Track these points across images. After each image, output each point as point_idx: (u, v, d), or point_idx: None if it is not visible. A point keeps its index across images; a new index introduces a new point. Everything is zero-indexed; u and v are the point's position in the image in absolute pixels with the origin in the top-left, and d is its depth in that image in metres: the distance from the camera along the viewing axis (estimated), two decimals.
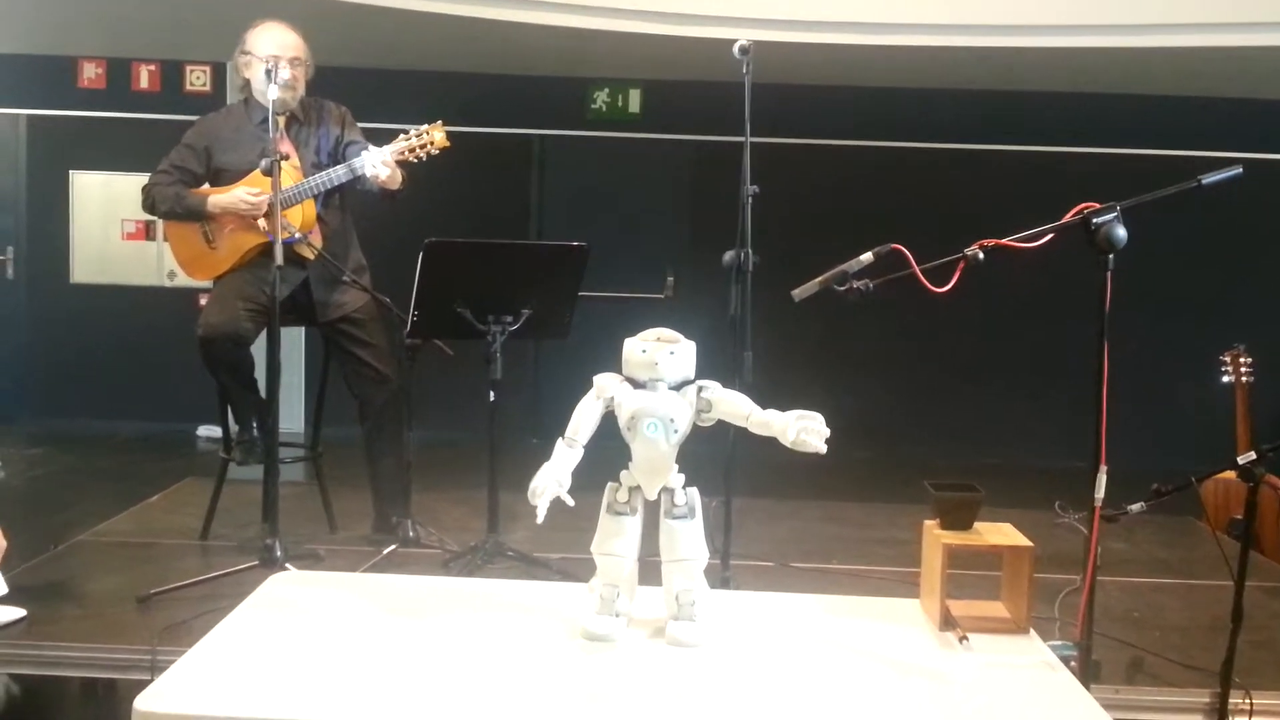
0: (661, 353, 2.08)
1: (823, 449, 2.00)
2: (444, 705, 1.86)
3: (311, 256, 3.75)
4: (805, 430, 2.00)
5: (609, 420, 2.12)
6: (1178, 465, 2.85)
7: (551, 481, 2.07)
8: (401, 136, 3.70)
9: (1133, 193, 2.40)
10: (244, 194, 3.66)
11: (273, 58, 3.64)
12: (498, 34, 5.97)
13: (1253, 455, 2.47)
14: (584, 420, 2.11)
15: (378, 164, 3.63)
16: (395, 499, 3.85)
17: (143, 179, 3.83)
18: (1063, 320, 4.95)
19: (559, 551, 3.48)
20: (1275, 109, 6.89)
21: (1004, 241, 2.39)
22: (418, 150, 3.67)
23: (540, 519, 2.06)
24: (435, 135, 3.69)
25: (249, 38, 3.79)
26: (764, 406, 2.07)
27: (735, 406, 2.09)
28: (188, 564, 3.52)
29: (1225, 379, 4.40)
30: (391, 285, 3.79)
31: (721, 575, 3.22)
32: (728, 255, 3.26)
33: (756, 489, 4.16)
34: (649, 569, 2.17)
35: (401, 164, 3.69)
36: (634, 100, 7.34)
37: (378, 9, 5.64)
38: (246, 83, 3.84)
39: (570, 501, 2.08)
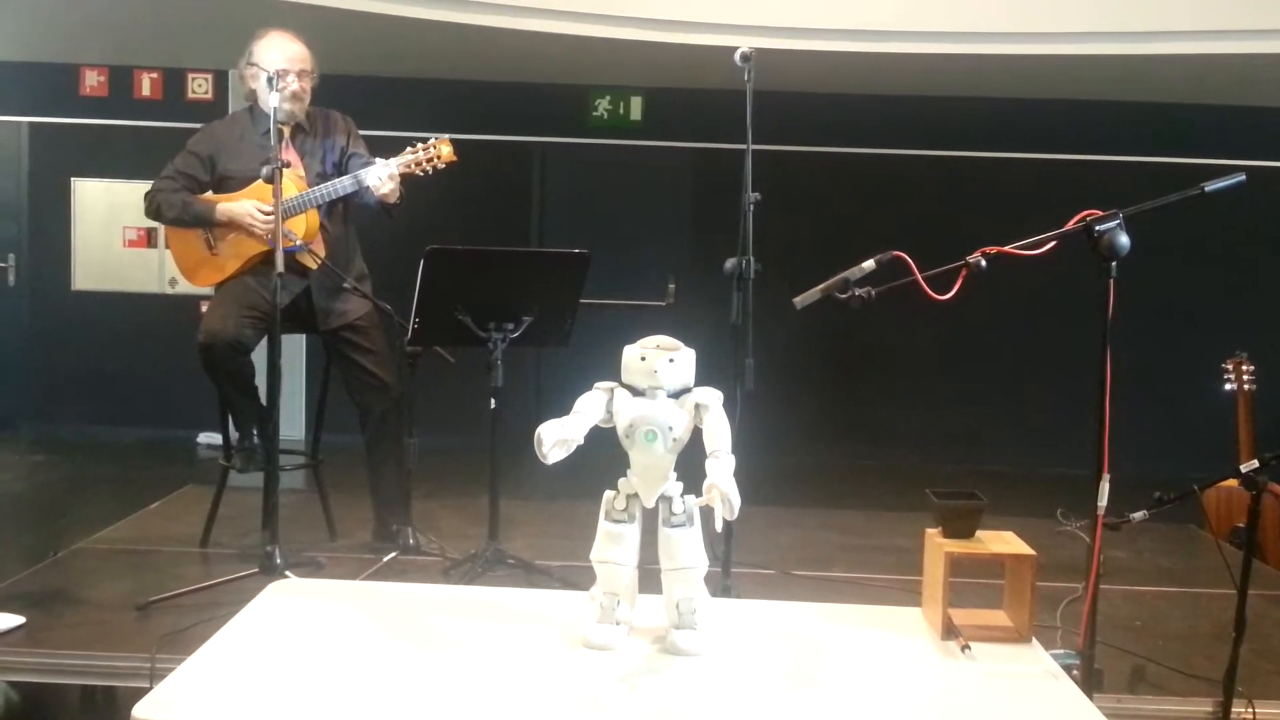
0: (661, 360, 2.07)
1: (718, 521, 1.97)
2: (444, 714, 1.85)
3: (314, 265, 3.74)
4: (713, 500, 1.95)
5: (608, 430, 2.12)
6: (1180, 473, 2.84)
7: (557, 427, 2.01)
8: (409, 150, 3.67)
9: (1136, 200, 2.39)
10: (255, 207, 3.65)
11: (280, 70, 3.63)
12: (499, 42, 5.97)
13: (1255, 463, 2.47)
14: (588, 403, 2.09)
15: (384, 177, 3.62)
16: (396, 506, 3.84)
17: (145, 186, 3.82)
18: (1066, 327, 4.95)
19: (559, 559, 3.47)
20: (1279, 116, 6.89)
21: (1006, 249, 2.38)
22: (424, 164, 3.64)
23: (549, 461, 2.01)
24: (443, 150, 3.65)
25: (256, 49, 3.77)
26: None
27: (712, 433, 2.06)
28: (187, 571, 3.51)
29: (1228, 386, 4.39)
30: (392, 292, 3.78)
31: (722, 583, 3.20)
32: (729, 262, 3.25)
33: (757, 497, 4.14)
34: (650, 576, 2.17)
35: (406, 177, 3.68)
36: (635, 108, 7.34)
37: (379, 17, 5.65)
38: (253, 92, 3.83)
39: (579, 439, 2.03)
